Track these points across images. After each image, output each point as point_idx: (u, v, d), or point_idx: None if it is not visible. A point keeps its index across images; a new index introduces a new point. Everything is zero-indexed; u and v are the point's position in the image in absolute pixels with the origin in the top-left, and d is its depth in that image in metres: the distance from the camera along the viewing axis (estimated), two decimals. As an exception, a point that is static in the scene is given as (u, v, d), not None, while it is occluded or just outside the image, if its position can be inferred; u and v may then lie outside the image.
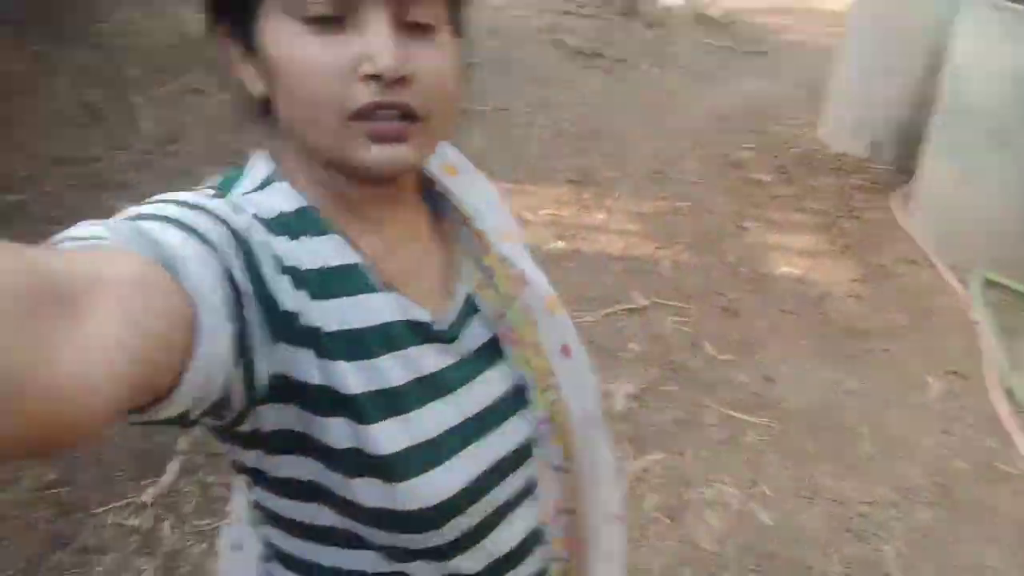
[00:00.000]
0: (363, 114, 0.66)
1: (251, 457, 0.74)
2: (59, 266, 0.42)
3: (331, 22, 0.65)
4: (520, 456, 0.81)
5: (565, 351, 0.85)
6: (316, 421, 0.69)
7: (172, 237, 0.55)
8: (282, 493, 0.75)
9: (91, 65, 4.85)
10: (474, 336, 0.80)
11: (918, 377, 3.10)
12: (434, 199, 0.84)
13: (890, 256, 3.95)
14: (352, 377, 0.69)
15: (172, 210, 0.60)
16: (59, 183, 3.73)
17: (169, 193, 0.64)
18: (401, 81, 0.66)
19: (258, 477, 0.75)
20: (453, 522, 0.75)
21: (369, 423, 0.70)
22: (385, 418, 0.71)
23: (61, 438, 0.39)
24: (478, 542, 0.79)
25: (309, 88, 0.66)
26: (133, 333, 0.44)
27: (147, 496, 2.25)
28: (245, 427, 0.68)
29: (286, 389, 0.67)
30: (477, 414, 0.78)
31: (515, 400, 0.81)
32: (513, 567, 0.83)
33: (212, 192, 0.69)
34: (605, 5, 7.40)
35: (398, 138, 0.68)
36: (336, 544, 0.77)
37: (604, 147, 4.90)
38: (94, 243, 0.51)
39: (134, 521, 2.18)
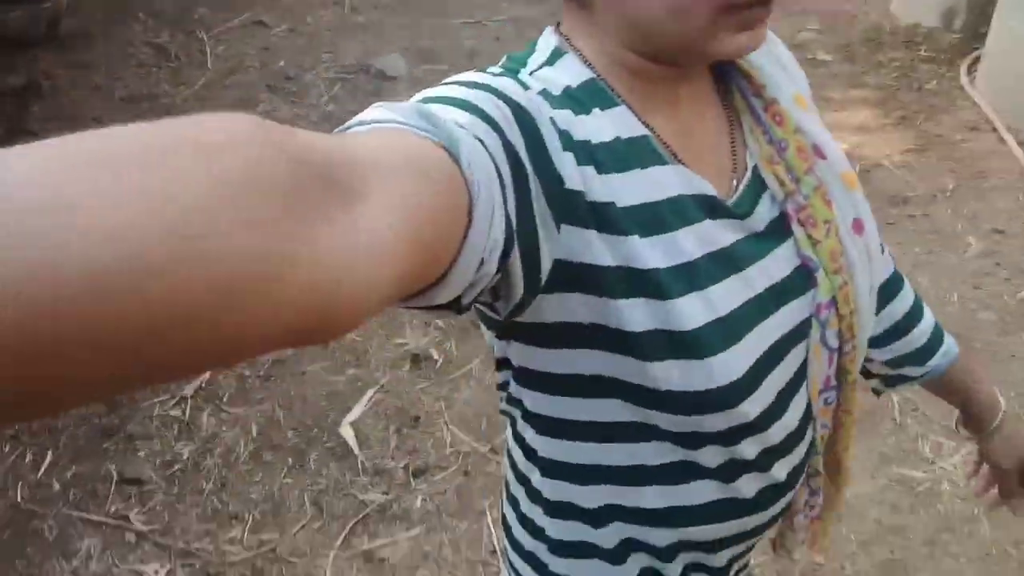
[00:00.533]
0: (739, 5, 0.64)
1: (527, 355, 0.74)
2: (335, 150, 0.40)
3: None
4: (797, 336, 0.79)
5: (857, 227, 0.80)
6: (611, 306, 0.67)
7: (455, 118, 0.54)
8: (561, 391, 0.75)
9: (164, 10, 5.13)
10: (764, 212, 0.77)
11: (958, 238, 3.02)
12: (725, 67, 0.79)
13: (950, 125, 3.79)
14: (650, 252, 0.68)
15: (458, 91, 0.59)
16: (125, 121, 4.02)
17: (458, 75, 0.64)
18: None
19: (531, 378, 0.75)
20: (747, 401, 0.73)
21: (672, 298, 0.68)
22: (686, 292, 0.69)
23: (330, 326, 0.38)
24: (765, 426, 0.77)
25: None
26: (406, 218, 0.41)
27: (188, 389, 2.49)
28: (525, 318, 0.68)
29: (572, 276, 0.66)
30: (766, 291, 0.75)
31: (801, 280, 0.78)
32: (790, 449, 0.82)
33: (499, 71, 0.68)
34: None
35: (762, 21, 0.66)
36: (617, 439, 0.76)
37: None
38: (378, 126, 0.49)
39: (176, 412, 2.42)
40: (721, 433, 0.74)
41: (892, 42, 4.63)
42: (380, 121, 0.49)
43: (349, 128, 0.50)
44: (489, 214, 0.51)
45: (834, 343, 0.81)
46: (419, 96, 0.59)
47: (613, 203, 0.66)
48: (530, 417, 0.80)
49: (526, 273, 0.60)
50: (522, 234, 0.58)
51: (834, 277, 0.78)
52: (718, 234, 0.72)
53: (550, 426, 0.78)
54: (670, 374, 0.70)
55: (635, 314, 0.67)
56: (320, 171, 0.37)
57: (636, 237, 0.67)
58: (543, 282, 0.64)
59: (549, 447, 0.80)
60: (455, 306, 0.55)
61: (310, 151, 0.37)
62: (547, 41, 0.74)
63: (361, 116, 0.51)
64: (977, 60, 4.15)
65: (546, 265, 0.63)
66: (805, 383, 0.81)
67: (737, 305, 0.72)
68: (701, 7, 0.63)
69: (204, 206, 0.30)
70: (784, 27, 4.85)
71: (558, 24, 0.75)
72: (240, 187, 0.32)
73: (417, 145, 0.47)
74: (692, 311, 0.69)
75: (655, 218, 0.68)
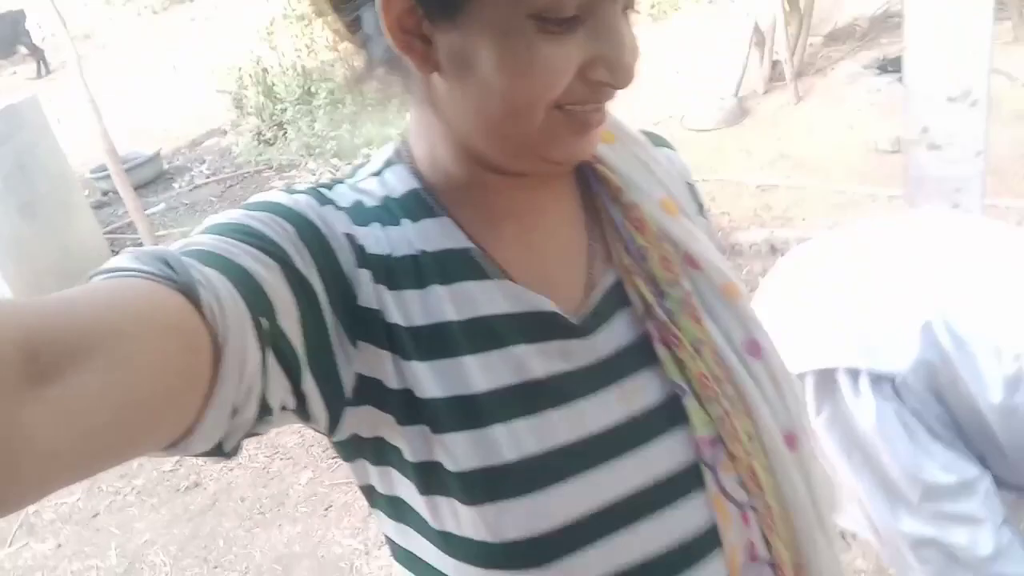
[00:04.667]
0: (568, 106, 0.60)
1: (360, 470, 0.68)
2: (54, 317, 0.41)
3: (565, 18, 0.57)
4: (681, 487, 0.66)
5: (752, 349, 0.69)
6: (397, 431, 0.63)
7: (214, 256, 0.53)
8: (393, 515, 0.68)
9: None
10: (617, 334, 0.68)
11: None
12: (584, 170, 0.73)
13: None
14: (429, 378, 0.62)
15: (240, 216, 0.58)
16: None
17: (257, 195, 0.63)
18: None
19: (374, 496, 0.68)
20: (565, 564, 0.62)
21: (441, 432, 0.62)
22: (457, 429, 0.62)
23: (18, 498, 0.39)
24: None
25: (529, 89, 0.58)
26: (119, 387, 0.42)
27: None
28: (342, 435, 0.64)
29: (371, 391, 0.62)
30: (607, 431, 0.65)
31: (668, 413, 0.67)
32: None
33: (304, 188, 0.65)
34: None
35: (598, 123, 0.62)
36: None
37: None
38: (118, 276, 0.48)
39: None
40: None
41: None
42: (123, 270, 0.48)
43: (93, 277, 0.49)
44: (240, 363, 0.50)
45: (740, 495, 0.67)
46: (203, 224, 0.59)
47: (399, 323, 0.62)
48: (393, 546, 0.71)
49: (325, 391, 0.59)
50: (314, 354, 0.57)
51: (710, 406, 0.66)
52: (539, 360, 0.64)
53: (405, 558, 0.69)
54: (449, 516, 0.63)
55: (413, 443, 0.62)
56: (25, 347, 0.39)
57: (415, 361, 0.62)
58: (347, 397, 0.61)
59: None
60: (218, 452, 0.53)
61: (19, 331, 0.39)
62: (384, 151, 0.72)
63: (109, 262, 0.50)
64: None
65: (347, 380, 0.61)
66: (721, 554, 0.66)
67: (548, 448, 0.63)
68: (536, 106, 0.59)
69: None
70: None
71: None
72: None
73: (152, 297, 0.47)
74: (462, 451, 0.62)
75: (440, 339, 0.63)
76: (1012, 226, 1.92)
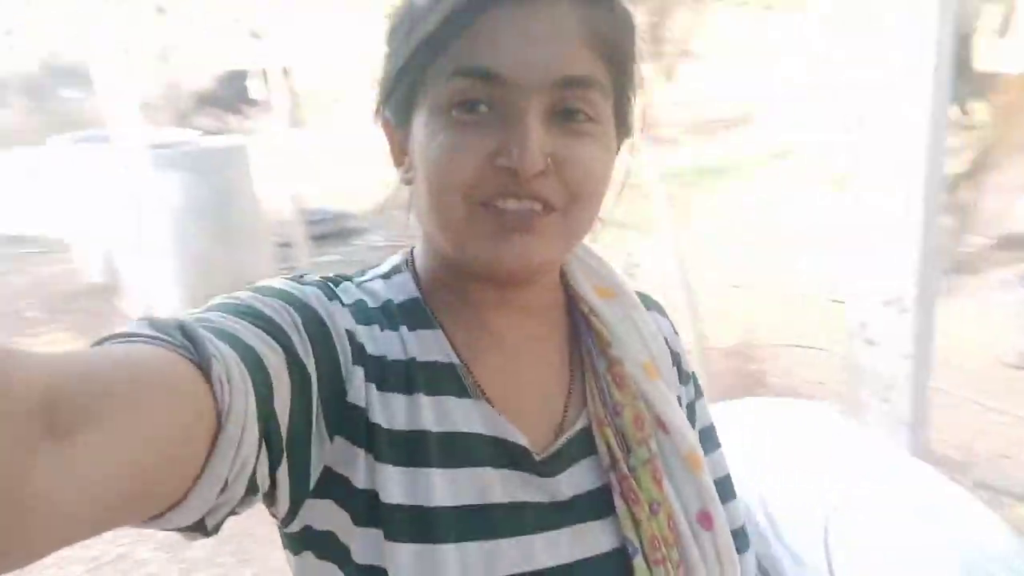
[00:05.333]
0: (491, 203, 0.62)
1: (305, 563, 0.68)
2: (69, 376, 0.42)
3: (479, 112, 0.62)
4: None
5: (704, 520, 0.71)
6: (352, 531, 0.63)
7: (232, 331, 0.54)
8: None
9: None
10: (580, 479, 0.70)
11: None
12: (578, 318, 0.76)
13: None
14: (397, 483, 0.63)
15: (251, 299, 0.60)
16: None
17: (266, 280, 0.65)
18: (539, 174, 0.61)
19: None
20: None
21: (393, 540, 0.62)
22: (410, 540, 0.62)
23: (22, 555, 0.39)
24: None
25: (441, 173, 0.62)
26: (126, 451, 0.43)
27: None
28: (295, 526, 0.65)
29: (333, 485, 0.63)
30: (553, 570, 0.66)
31: (615, 566, 0.68)
32: None
33: (312, 280, 0.68)
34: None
35: (526, 228, 0.63)
36: None
37: None
38: (134, 342, 0.49)
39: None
40: None
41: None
42: (142, 336, 0.49)
43: (104, 342, 0.50)
44: (236, 439, 0.50)
45: None
46: (212, 302, 0.59)
47: (380, 424, 0.64)
48: None
49: (293, 479, 0.59)
50: (294, 442, 0.58)
51: (656, 569, 0.68)
52: (501, 487, 0.66)
53: None
54: None
55: (365, 545, 0.63)
56: (47, 407, 0.39)
57: (388, 464, 0.63)
58: (311, 488, 0.62)
59: None
60: (200, 528, 0.54)
61: (41, 385, 0.39)
62: (395, 257, 0.75)
63: (128, 327, 0.51)
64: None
65: (315, 472, 0.62)
66: None
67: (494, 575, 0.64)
68: (452, 194, 0.62)
69: None
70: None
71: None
72: None
73: (167, 365, 0.48)
74: (407, 563, 0.62)
75: (417, 448, 0.64)
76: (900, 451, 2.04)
